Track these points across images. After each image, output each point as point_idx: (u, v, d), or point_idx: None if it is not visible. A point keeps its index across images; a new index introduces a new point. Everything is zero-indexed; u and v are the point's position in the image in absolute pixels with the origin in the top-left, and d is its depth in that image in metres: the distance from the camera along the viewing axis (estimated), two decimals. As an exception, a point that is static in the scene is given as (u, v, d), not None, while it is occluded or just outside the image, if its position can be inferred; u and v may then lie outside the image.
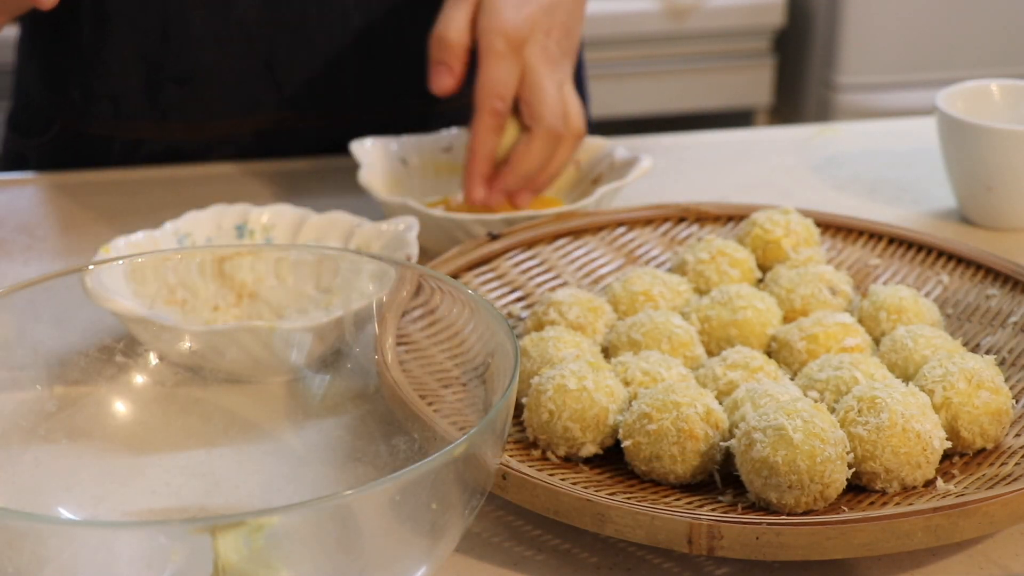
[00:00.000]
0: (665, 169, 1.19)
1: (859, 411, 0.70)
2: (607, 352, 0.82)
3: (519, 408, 0.76)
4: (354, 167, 1.08)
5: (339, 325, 0.77)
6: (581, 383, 0.73)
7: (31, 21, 1.19)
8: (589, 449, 0.74)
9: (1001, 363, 0.82)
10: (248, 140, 1.19)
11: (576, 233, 0.97)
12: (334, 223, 0.95)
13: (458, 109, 1.23)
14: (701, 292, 0.89)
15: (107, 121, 1.18)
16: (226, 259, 0.82)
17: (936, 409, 0.73)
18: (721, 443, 0.71)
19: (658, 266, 0.95)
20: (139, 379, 0.75)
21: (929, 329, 0.80)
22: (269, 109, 1.18)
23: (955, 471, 0.72)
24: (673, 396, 0.71)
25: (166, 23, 1.13)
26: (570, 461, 0.74)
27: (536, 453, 0.74)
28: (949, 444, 0.72)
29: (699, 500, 0.70)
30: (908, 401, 0.70)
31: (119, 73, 1.16)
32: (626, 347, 0.81)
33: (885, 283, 0.92)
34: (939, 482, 0.71)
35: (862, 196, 1.15)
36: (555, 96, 0.98)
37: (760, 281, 0.91)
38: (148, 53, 1.14)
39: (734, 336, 0.82)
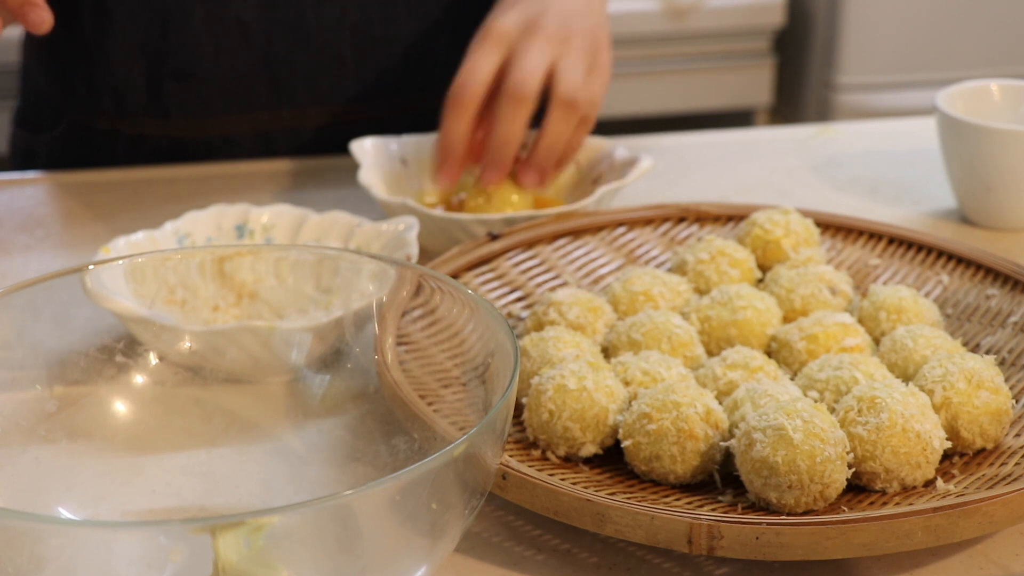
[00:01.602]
0: (665, 169, 1.19)
1: (859, 411, 0.70)
2: (607, 352, 0.82)
3: (519, 408, 0.76)
4: (354, 167, 1.08)
5: (339, 325, 0.77)
6: (581, 383, 0.73)
7: None
8: (589, 449, 0.74)
9: (1001, 363, 0.82)
10: (249, 138, 1.20)
11: (576, 233, 0.97)
12: (334, 223, 0.95)
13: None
14: (701, 292, 0.89)
15: (111, 116, 1.19)
16: (226, 259, 0.82)
17: (936, 409, 0.73)
18: (721, 443, 0.71)
19: (658, 266, 0.95)
20: (139, 379, 0.75)
21: (929, 329, 0.80)
22: (268, 106, 1.18)
23: (955, 471, 0.72)
24: (673, 396, 0.71)
25: (165, 19, 1.13)
26: (570, 461, 0.74)
27: (536, 453, 0.74)
28: (949, 444, 0.72)
29: (699, 500, 0.70)
30: (908, 401, 0.70)
31: (121, 68, 1.16)
32: (626, 347, 0.81)
33: (885, 283, 0.92)
34: (939, 482, 0.71)
35: (862, 196, 1.15)
36: (526, 65, 0.96)
37: (760, 281, 0.91)
38: (148, 48, 1.15)
39: (734, 336, 0.82)
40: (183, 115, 1.18)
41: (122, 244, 0.90)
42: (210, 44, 1.14)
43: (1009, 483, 0.69)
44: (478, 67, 0.98)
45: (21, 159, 1.26)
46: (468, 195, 1.04)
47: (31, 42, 1.23)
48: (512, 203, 1.02)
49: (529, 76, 0.96)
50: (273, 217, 0.96)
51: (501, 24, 0.99)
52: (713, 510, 0.68)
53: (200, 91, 1.16)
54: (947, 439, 0.72)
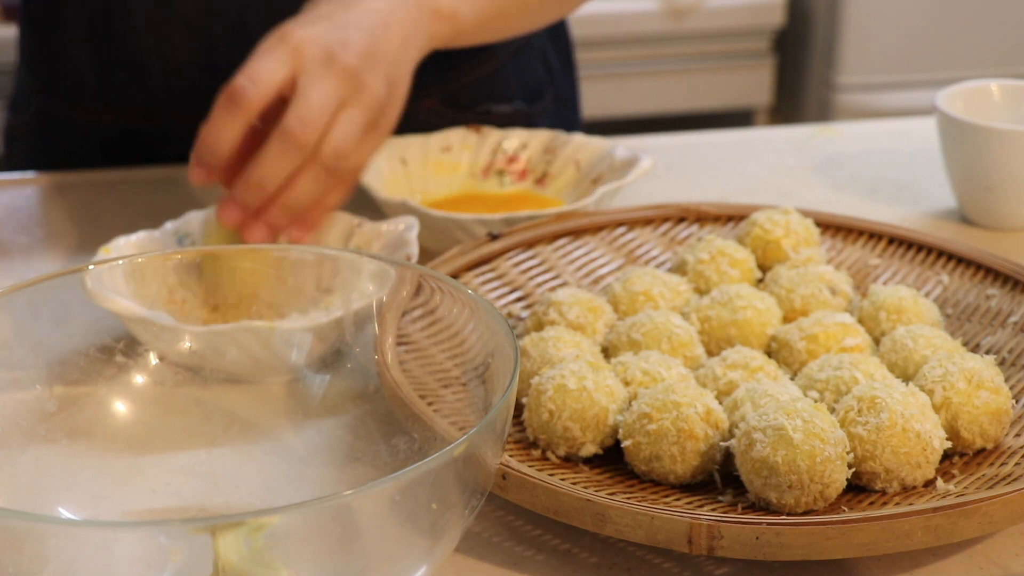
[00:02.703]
0: (665, 169, 1.19)
1: (859, 411, 0.70)
2: (607, 352, 0.82)
3: (519, 408, 0.76)
4: (354, 167, 1.08)
5: (339, 325, 0.77)
6: (581, 383, 0.73)
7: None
8: (589, 449, 0.74)
9: (1001, 363, 0.82)
10: (196, 135, 1.19)
11: (576, 233, 0.97)
12: (334, 223, 0.95)
13: (409, 108, 1.21)
14: (701, 292, 0.89)
15: (68, 101, 1.19)
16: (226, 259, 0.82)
17: (936, 409, 0.73)
18: (721, 443, 0.71)
19: (658, 266, 0.95)
20: (139, 379, 0.75)
21: (929, 329, 0.80)
22: (212, 101, 1.17)
23: (955, 471, 0.72)
24: (673, 396, 0.71)
25: (108, 9, 1.13)
26: (570, 461, 0.74)
27: (536, 453, 0.74)
28: (949, 444, 0.72)
29: (699, 500, 0.70)
30: (908, 401, 0.70)
31: (73, 54, 1.17)
32: (626, 347, 0.81)
33: (885, 283, 0.92)
34: (939, 482, 0.71)
35: (862, 196, 1.15)
36: (313, 105, 0.85)
37: (760, 281, 0.91)
38: (95, 36, 1.15)
39: (734, 336, 0.82)
40: (131, 104, 1.18)
41: (122, 244, 0.90)
42: (152, 36, 1.14)
43: (1009, 483, 0.69)
44: (265, 70, 0.86)
45: (7, 141, 1.28)
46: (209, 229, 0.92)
47: (22, 27, 1.24)
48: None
49: (313, 121, 0.84)
50: (273, 217, 0.96)
51: (302, 35, 0.87)
52: (713, 510, 0.68)
53: (145, 81, 1.16)
54: (947, 439, 0.72)
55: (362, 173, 0.89)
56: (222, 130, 0.86)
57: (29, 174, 1.21)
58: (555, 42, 1.28)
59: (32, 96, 1.23)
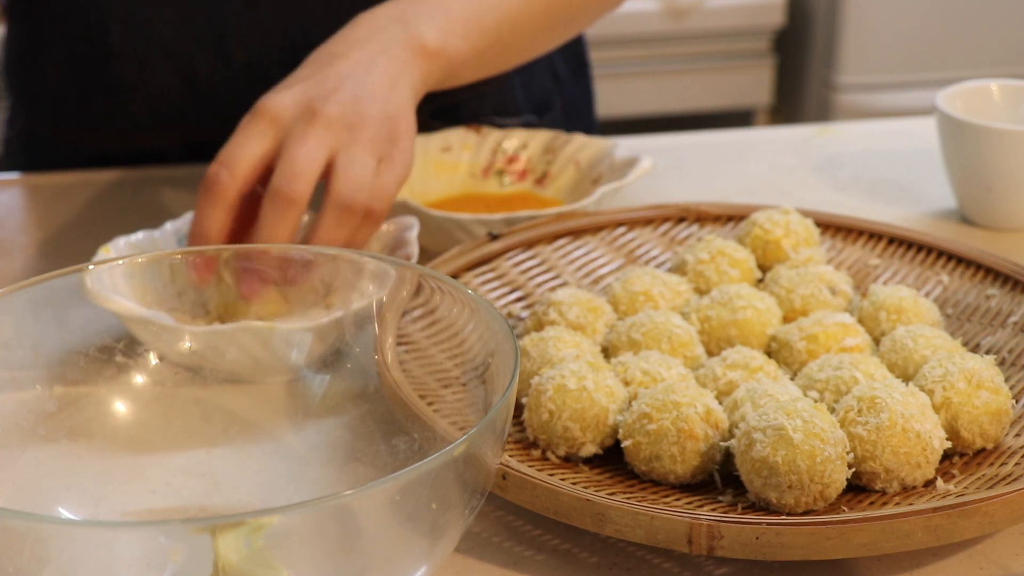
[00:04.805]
0: (665, 169, 1.19)
1: (859, 411, 0.70)
2: (607, 352, 0.82)
3: (519, 408, 0.76)
4: (354, 167, 1.08)
5: (339, 325, 0.77)
6: (581, 383, 0.73)
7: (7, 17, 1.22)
8: (589, 449, 0.74)
9: (1001, 363, 0.82)
10: (179, 150, 1.19)
11: (576, 233, 0.97)
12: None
13: None
14: (701, 292, 0.89)
15: (49, 124, 1.20)
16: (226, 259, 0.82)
17: (936, 409, 0.73)
18: (721, 443, 0.71)
19: (658, 266, 0.95)
20: (139, 379, 0.75)
21: (929, 329, 0.80)
22: (194, 122, 1.17)
23: (955, 471, 0.72)
24: (673, 396, 0.71)
25: (88, 35, 1.13)
26: (570, 461, 0.74)
27: (536, 453, 0.74)
28: (949, 444, 0.72)
29: (699, 500, 0.70)
30: (908, 401, 0.70)
31: (54, 78, 1.17)
32: (626, 347, 0.81)
33: (885, 283, 0.92)
34: (939, 482, 0.71)
35: (862, 196, 1.15)
36: (297, 160, 0.83)
37: (760, 281, 0.91)
38: (76, 62, 1.15)
39: (734, 336, 0.82)
40: (112, 128, 1.18)
41: (122, 244, 0.90)
42: (132, 61, 1.13)
43: (1009, 483, 0.69)
44: (240, 151, 0.84)
45: (6, 149, 1.28)
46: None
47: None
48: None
49: (300, 173, 0.83)
50: (273, 217, 0.95)
51: (276, 103, 0.86)
52: (713, 510, 0.68)
53: (126, 106, 1.16)
54: (947, 439, 0.72)
55: (388, 207, 0.87)
56: (206, 220, 0.84)
57: (29, 175, 1.21)
58: (563, 50, 1.27)
59: (18, 114, 1.24)
